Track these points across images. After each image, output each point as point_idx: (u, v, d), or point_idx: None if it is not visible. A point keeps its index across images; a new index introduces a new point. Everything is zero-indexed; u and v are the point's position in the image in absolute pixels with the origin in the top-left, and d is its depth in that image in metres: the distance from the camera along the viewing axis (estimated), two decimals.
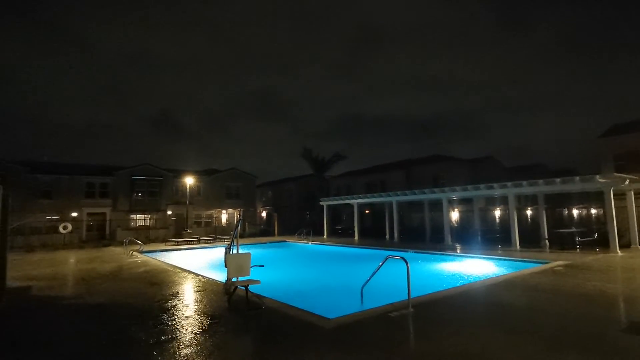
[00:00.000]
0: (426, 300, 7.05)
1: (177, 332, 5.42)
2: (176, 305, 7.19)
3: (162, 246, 22.50)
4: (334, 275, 13.07)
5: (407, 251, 16.42)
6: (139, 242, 20.42)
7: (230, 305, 6.88)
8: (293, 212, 41.64)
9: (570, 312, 6.19)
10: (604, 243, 14.89)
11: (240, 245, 9.46)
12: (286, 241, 25.74)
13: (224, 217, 36.23)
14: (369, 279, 7.30)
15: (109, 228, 29.62)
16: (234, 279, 7.05)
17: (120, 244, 22.96)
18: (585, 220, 29.14)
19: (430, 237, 22.36)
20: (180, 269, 12.33)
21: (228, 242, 8.33)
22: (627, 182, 14.52)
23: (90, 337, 5.48)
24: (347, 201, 27.39)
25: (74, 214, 28.87)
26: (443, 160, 34.07)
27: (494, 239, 19.58)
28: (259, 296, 7.15)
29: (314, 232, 29.27)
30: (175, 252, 20.57)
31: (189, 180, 29.51)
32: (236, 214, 36.12)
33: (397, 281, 7.44)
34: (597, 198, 16.15)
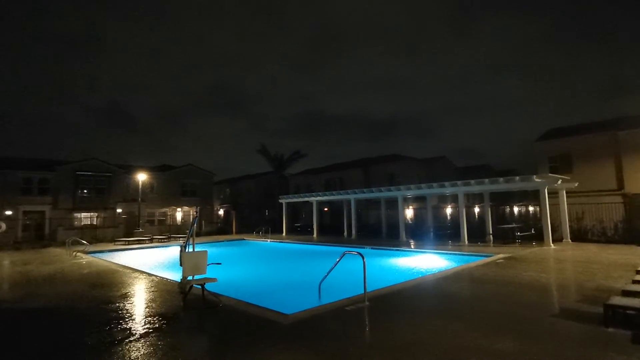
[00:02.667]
0: (381, 293, 7.33)
1: (128, 334, 5.21)
2: (126, 306, 6.87)
3: (111, 246, 21.24)
4: (293, 272, 13.13)
5: (364, 247, 16.87)
6: (84, 242, 19.13)
7: (185, 305, 6.71)
8: (252, 209, 41.07)
9: (508, 300, 6.75)
10: (539, 237, 16.28)
11: (197, 243, 9.22)
12: (244, 239, 25.37)
13: (179, 215, 34.90)
14: (327, 275, 7.45)
15: (48, 227, 27.40)
16: (190, 278, 6.88)
17: (62, 244, 21.33)
18: (524, 216, 31.64)
19: (386, 234, 23.10)
20: (130, 269, 11.75)
21: (183, 241, 8.09)
22: (559, 182, 15.99)
23: (30, 344, 5.10)
24: (306, 199, 27.53)
25: (8, 213, 26.38)
26: (399, 160, 35.30)
27: (445, 235, 20.66)
28: (215, 294, 7.03)
29: (273, 229, 29.09)
30: (126, 252, 19.52)
31: (142, 177, 28.05)
32: (192, 211, 34.94)
33: (354, 276, 7.66)
34: (534, 196, 17.65)
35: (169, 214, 34.14)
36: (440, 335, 4.95)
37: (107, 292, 8.25)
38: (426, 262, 13.58)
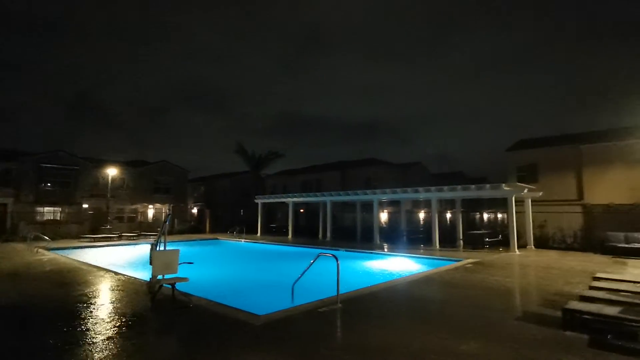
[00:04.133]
0: (354, 296, 7.41)
1: (92, 335, 5.01)
2: (90, 306, 6.61)
3: (75, 243, 20.35)
4: (266, 273, 13.03)
5: (338, 250, 16.98)
6: (47, 238, 18.23)
7: (153, 305, 6.52)
8: (227, 209, 40.43)
9: (475, 304, 6.98)
10: (506, 243, 16.93)
11: (169, 242, 8.97)
12: (218, 239, 24.94)
13: (150, 212, 33.86)
14: (300, 276, 7.45)
15: (10, 221, 25.90)
16: (160, 277, 6.70)
17: (24, 239, 20.24)
18: (493, 223, 32.83)
19: (361, 237, 23.34)
20: (96, 267, 11.30)
21: (154, 239, 7.87)
22: (525, 191, 16.72)
23: None
24: (282, 200, 27.41)
25: None
26: (376, 164, 35.78)
27: (417, 239, 21.12)
28: (186, 294, 6.88)
29: (248, 230, 28.76)
30: (91, 249, 18.75)
31: (112, 172, 27.01)
32: (165, 209, 34.01)
33: (328, 278, 7.68)
34: (503, 204, 18.35)
35: (140, 210, 33.05)
36: (410, 337, 5.07)
37: (70, 291, 7.90)
38: (399, 265, 13.83)
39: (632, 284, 6.99)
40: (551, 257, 14.39)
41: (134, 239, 23.11)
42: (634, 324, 4.95)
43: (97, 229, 26.48)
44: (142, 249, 17.85)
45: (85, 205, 29.46)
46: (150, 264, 6.81)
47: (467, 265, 11.87)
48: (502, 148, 24.20)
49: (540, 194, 18.17)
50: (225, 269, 14.29)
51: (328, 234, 23.37)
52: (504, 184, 15.97)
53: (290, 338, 4.96)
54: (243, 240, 23.54)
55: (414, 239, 21.33)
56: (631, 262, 12.76)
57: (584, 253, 15.60)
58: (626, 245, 14.45)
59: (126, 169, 32.30)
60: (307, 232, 27.23)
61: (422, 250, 16.76)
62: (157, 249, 7.21)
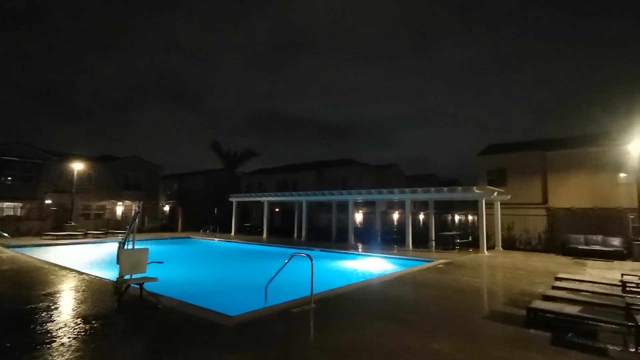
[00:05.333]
0: (328, 296, 7.41)
1: (53, 337, 4.74)
2: (52, 307, 6.26)
3: (37, 240, 19.29)
4: (240, 273, 12.85)
5: (313, 250, 16.96)
6: (6, 234, 17.18)
7: (120, 306, 6.27)
8: (200, 207, 39.56)
9: (445, 303, 7.16)
10: (476, 244, 17.49)
11: (138, 240, 8.67)
12: (190, 237, 24.35)
13: (119, 209, 32.63)
14: (274, 277, 7.38)
15: None
16: (127, 277, 6.44)
17: None
18: (464, 224, 33.82)
19: (336, 237, 23.44)
20: (59, 266, 10.74)
21: (122, 237, 7.57)
22: (495, 194, 17.34)
23: None
24: (257, 198, 27.12)
25: None
26: (352, 165, 36.08)
27: (391, 240, 21.44)
28: (155, 295, 6.65)
29: (222, 229, 28.26)
30: (55, 247, 17.83)
31: (77, 166, 25.78)
32: (134, 206, 32.85)
33: (302, 278, 7.65)
34: (474, 206, 18.95)
35: (107, 207, 31.78)
36: (382, 336, 5.12)
37: (30, 291, 7.47)
38: (372, 265, 13.98)
39: (591, 284, 7.37)
40: (517, 258, 14.97)
41: (100, 237, 22.17)
42: (592, 322, 5.22)
43: (61, 226, 25.21)
44: (109, 248, 17.15)
45: (48, 201, 28.01)
46: (118, 263, 6.54)
47: (438, 266, 12.15)
48: (474, 152, 24.99)
49: (509, 197, 18.90)
50: (197, 268, 13.97)
51: (303, 234, 23.32)
52: (475, 187, 16.48)
53: (263, 339, 4.89)
54: (216, 239, 23.11)
55: (388, 239, 21.63)
56: (590, 262, 13.48)
57: (548, 254, 16.34)
58: (585, 247, 15.27)
59: (93, 164, 30.96)
60: (282, 231, 27.06)
61: (395, 251, 17.02)
62: (125, 247, 6.94)
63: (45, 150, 29.07)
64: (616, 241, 15.03)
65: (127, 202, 33.10)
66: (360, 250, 17.71)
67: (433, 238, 19.38)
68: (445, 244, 18.55)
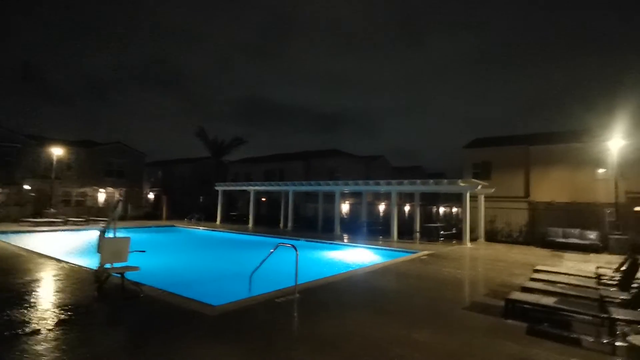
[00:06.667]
0: (312, 286, 7.45)
1: (30, 327, 4.63)
2: (30, 296, 6.11)
3: (14, 227, 18.75)
4: (225, 262, 12.79)
5: (299, 240, 16.99)
6: None
7: (100, 295, 6.16)
8: (185, 195, 39.06)
9: (428, 294, 7.29)
10: (460, 236, 17.82)
11: (122, 228, 8.47)
12: (175, 226, 24.07)
13: (101, 196, 31.93)
14: (259, 266, 7.36)
15: None
16: (109, 266, 6.32)
17: None
18: (449, 216, 34.40)
19: (322, 227, 23.52)
20: (37, 254, 10.49)
21: (103, 225, 7.40)
22: (479, 187, 17.63)
23: None
24: (243, 188, 26.91)
25: None
26: (340, 155, 36.08)
27: (377, 231, 21.63)
28: (136, 284, 6.55)
29: (208, 217, 28.02)
30: (33, 234, 17.38)
31: (58, 151, 25.03)
32: (117, 193, 32.20)
33: (287, 268, 7.65)
34: (458, 198, 19.23)
35: (89, 194, 31.07)
36: (365, 327, 5.18)
37: (7, 280, 7.27)
38: (358, 256, 14.11)
39: (567, 275, 7.61)
40: (499, 250, 15.33)
41: (81, 225, 21.71)
42: (567, 313, 5.39)
43: (40, 212, 24.55)
44: (90, 236, 16.81)
45: (27, 187, 27.18)
46: (98, 251, 6.41)
47: (422, 257, 12.34)
48: (462, 145, 25.27)
49: (493, 190, 19.25)
50: (181, 257, 13.84)
51: (289, 224, 23.32)
52: (460, 180, 16.70)
53: (246, 329, 4.89)
54: (201, 227, 22.92)
55: (373, 230, 21.82)
56: (567, 255, 13.91)
57: (528, 246, 16.77)
58: (563, 240, 15.73)
59: (74, 149, 30.13)
60: (268, 221, 27.00)
61: (380, 242, 17.19)
62: (106, 235, 6.79)
63: (25, 134, 28.10)
64: (593, 235, 15.53)
65: (110, 189, 32.42)
66: (346, 240, 17.83)
67: (418, 230, 19.64)
68: (429, 236, 18.83)
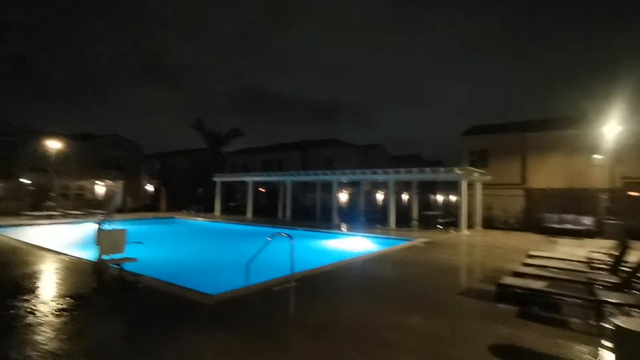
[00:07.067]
0: (309, 274, 7.56)
1: (31, 317, 4.72)
2: (30, 288, 6.21)
3: (14, 220, 18.82)
4: (223, 252, 12.92)
5: (297, 229, 17.12)
6: None
7: (99, 286, 6.26)
8: (184, 187, 39.11)
9: (423, 281, 7.41)
10: (457, 224, 17.97)
11: (121, 220, 8.55)
12: (174, 217, 24.19)
13: (100, 189, 31.94)
14: (256, 256, 7.45)
15: None
16: (107, 257, 6.41)
17: None
18: (447, 204, 34.56)
19: (320, 217, 23.67)
20: (37, 247, 10.57)
21: (101, 218, 7.47)
22: (476, 175, 17.70)
23: None
24: (241, 179, 26.97)
25: None
26: (338, 145, 36.02)
27: (375, 219, 21.77)
28: (135, 275, 6.65)
29: (206, 209, 28.15)
30: (32, 227, 17.46)
31: (55, 145, 24.93)
32: (116, 186, 32.22)
33: (284, 258, 7.74)
34: (456, 186, 19.28)
35: (88, 187, 31.07)
36: (360, 313, 5.29)
37: (7, 272, 7.37)
38: (355, 244, 14.25)
39: (559, 260, 7.73)
40: (495, 236, 15.49)
41: (80, 217, 21.80)
42: (557, 297, 5.51)
43: (38, 205, 24.61)
44: (89, 228, 16.91)
45: (25, 181, 27.17)
46: (97, 244, 6.49)
47: (419, 245, 12.48)
48: (460, 133, 25.24)
49: (490, 177, 19.33)
50: (180, 248, 13.96)
51: (288, 214, 23.45)
52: (456, 168, 16.77)
53: (243, 317, 4.99)
54: (200, 219, 23.03)
55: (371, 219, 21.96)
56: (562, 240, 14.07)
57: (524, 233, 16.94)
58: (558, 226, 15.89)
59: (72, 142, 30.00)
60: (266, 211, 27.15)
61: (378, 230, 17.32)
62: (104, 228, 6.86)
63: (21, 127, 27.96)
64: (588, 220, 15.68)
65: (108, 182, 32.42)
66: (344, 229, 17.97)
67: (415, 218, 19.78)
68: (427, 224, 18.98)
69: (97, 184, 31.72)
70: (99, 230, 6.58)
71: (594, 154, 17.94)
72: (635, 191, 16.81)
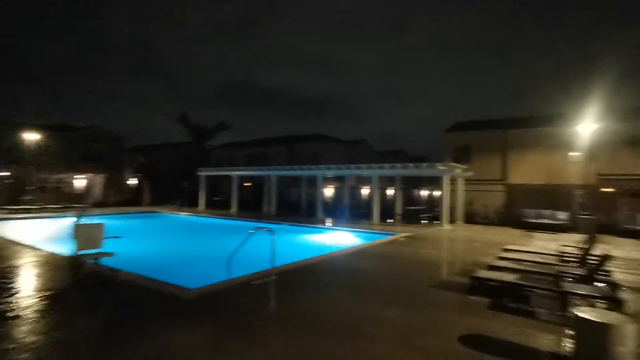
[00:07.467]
0: (290, 268, 7.63)
1: (7, 312, 4.65)
2: (6, 283, 6.08)
3: None
4: (206, 247, 12.86)
5: (281, 224, 17.16)
6: None
7: (76, 281, 6.18)
8: (168, 181, 38.58)
9: (402, 274, 7.57)
10: (439, 218, 18.31)
11: (102, 214, 8.42)
12: (157, 212, 23.88)
13: (80, 182, 31.21)
14: (237, 250, 7.48)
15: None
16: (83, 252, 6.33)
17: None
18: (429, 200, 35.10)
19: (305, 211, 23.74)
20: (13, 242, 10.33)
21: (79, 212, 7.36)
22: (457, 171, 18.03)
23: None
24: (226, 172, 26.77)
25: None
26: (323, 140, 36.05)
27: (359, 214, 21.98)
28: (113, 269, 6.59)
29: (191, 203, 27.87)
30: (9, 221, 16.98)
31: (33, 136, 24.24)
32: (97, 179, 31.53)
33: (266, 251, 7.78)
34: (439, 182, 19.57)
35: (67, 180, 30.30)
36: (338, 305, 5.39)
37: None
38: (339, 239, 14.38)
39: (532, 254, 8.00)
40: (475, 231, 15.86)
41: (58, 211, 21.30)
42: (527, 289, 5.73)
43: (16, 199, 23.92)
44: (67, 222, 16.54)
45: (2, 173, 26.32)
46: (74, 238, 6.39)
47: (400, 239, 12.69)
48: (443, 129, 25.59)
49: (471, 173, 19.71)
50: (162, 243, 13.83)
51: (273, 208, 23.44)
52: (438, 164, 17.05)
53: (222, 311, 5.02)
54: (184, 213, 22.81)
55: (356, 213, 22.15)
56: (538, 235, 14.52)
57: (503, 227, 17.40)
58: (536, 221, 16.38)
59: (50, 134, 29.15)
60: (251, 206, 27.05)
61: (362, 225, 17.51)
62: (81, 222, 6.76)
63: None
64: (563, 215, 16.22)
65: (89, 175, 31.69)
66: (328, 224, 18.09)
67: (399, 212, 20.05)
68: (410, 218, 19.28)
69: (76, 177, 30.98)
70: (76, 224, 6.48)
71: (571, 151, 18.48)
72: (608, 187, 17.43)
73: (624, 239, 13.69)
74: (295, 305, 5.30)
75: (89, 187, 30.99)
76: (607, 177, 17.78)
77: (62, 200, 25.84)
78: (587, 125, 14.03)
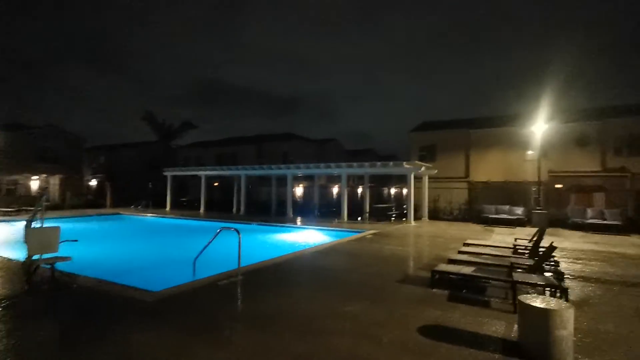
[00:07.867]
0: (257, 267, 7.62)
1: None
2: None
3: None
4: (171, 249, 12.54)
5: (251, 223, 17.03)
6: None
7: (29, 287, 5.87)
8: (132, 181, 37.10)
9: (368, 270, 7.76)
10: (406, 216, 18.83)
11: (59, 218, 7.99)
12: (120, 213, 22.92)
13: (34, 184, 29.39)
14: (202, 251, 7.38)
15: None
16: (37, 257, 6.01)
17: None
18: (399, 197, 36.01)
19: (275, 211, 23.63)
20: None
21: (30, 215, 6.96)
22: (423, 169, 18.64)
23: None
24: (194, 172, 26.16)
25: None
26: (293, 139, 36.05)
27: (329, 213, 22.18)
28: (70, 275, 6.31)
29: (157, 204, 26.98)
30: None
31: None
32: (53, 180, 29.82)
33: (233, 252, 7.73)
34: (406, 180, 20.10)
35: (20, 182, 28.46)
36: (303, 303, 5.47)
37: None
38: (308, 237, 14.47)
39: (490, 247, 8.45)
40: (440, 227, 16.47)
41: (11, 215, 19.99)
42: (483, 280, 6.07)
43: None
44: (21, 226, 15.56)
45: None
46: (25, 242, 6.06)
47: (368, 236, 12.96)
48: (411, 128, 26.29)
49: (436, 171, 20.42)
50: (124, 246, 13.34)
51: (242, 208, 23.17)
52: (404, 163, 17.54)
53: (186, 312, 4.96)
54: (149, 215, 22.06)
55: (325, 212, 22.33)
56: (497, 229, 15.31)
57: (466, 223, 18.17)
58: (495, 216, 17.24)
59: (1, 133, 27.28)
60: (221, 206, 26.59)
61: (331, 223, 17.70)
62: (33, 226, 6.42)
63: None
64: (520, 210, 17.16)
65: (45, 176, 29.91)
66: (297, 223, 18.13)
67: (367, 210, 20.42)
68: (379, 216, 19.68)
69: (31, 178, 29.15)
70: (27, 228, 6.15)
71: (527, 149, 19.60)
72: (559, 184, 18.65)
73: (572, 231, 14.72)
74: (260, 304, 5.32)
75: (43, 189, 29.25)
76: (558, 174, 19.02)
77: (15, 203, 24.21)
78: (540, 126, 14.93)
